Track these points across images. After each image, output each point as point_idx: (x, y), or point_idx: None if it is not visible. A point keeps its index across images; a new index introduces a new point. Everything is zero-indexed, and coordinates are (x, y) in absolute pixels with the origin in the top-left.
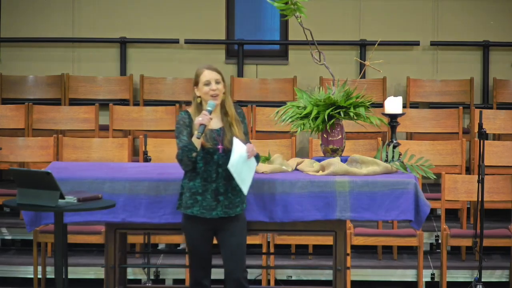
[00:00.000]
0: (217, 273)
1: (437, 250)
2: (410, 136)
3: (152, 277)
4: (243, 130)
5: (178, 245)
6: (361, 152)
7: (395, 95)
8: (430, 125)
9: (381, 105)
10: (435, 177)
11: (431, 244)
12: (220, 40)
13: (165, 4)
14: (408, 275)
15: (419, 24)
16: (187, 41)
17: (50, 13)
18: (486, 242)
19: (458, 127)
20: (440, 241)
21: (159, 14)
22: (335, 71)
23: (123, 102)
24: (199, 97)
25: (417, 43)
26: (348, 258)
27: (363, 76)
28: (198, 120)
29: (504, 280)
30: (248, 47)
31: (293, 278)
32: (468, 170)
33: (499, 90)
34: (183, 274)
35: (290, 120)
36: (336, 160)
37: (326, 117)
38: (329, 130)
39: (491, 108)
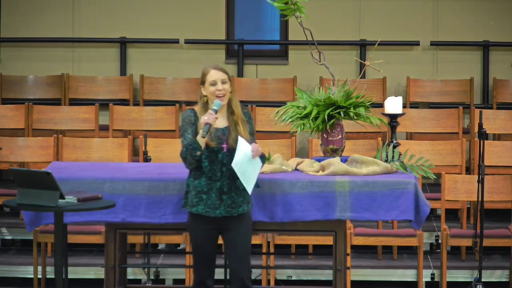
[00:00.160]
0: (218, 273)
1: (437, 250)
2: (410, 136)
3: (152, 277)
4: (249, 130)
5: (178, 245)
6: (361, 152)
7: (395, 95)
8: (430, 125)
9: (381, 105)
10: (435, 177)
11: (431, 244)
12: (220, 40)
13: (165, 4)
14: (408, 275)
15: (419, 24)
16: (187, 41)
17: (50, 13)
18: (486, 242)
19: (458, 127)
20: (440, 241)
21: (159, 14)
22: (335, 71)
23: (123, 102)
24: (205, 96)
25: (417, 43)
26: (348, 258)
27: (363, 76)
28: (203, 119)
29: (504, 280)
30: (248, 47)
31: (293, 278)
32: (468, 170)
33: (499, 90)
34: (183, 274)
35: (290, 120)
36: (336, 160)
37: (326, 117)
38: (329, 130)
39: (491, 108)
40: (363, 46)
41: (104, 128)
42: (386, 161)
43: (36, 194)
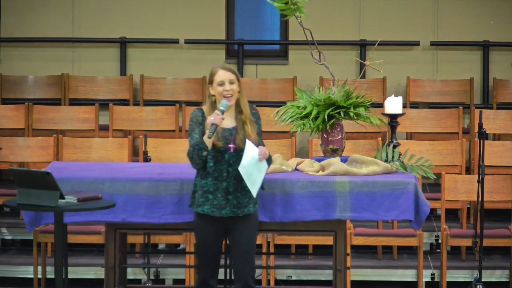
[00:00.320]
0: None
1: (437, 250)
2: (410, 136)
3: (152, 277)
4: (257, 130)
5: (178, 245)
6: (361, 152)
7: (395, 95)
8: (430, 125)
9: (381, 105)
10: (435, 177)
11: (431, 244)
12: (220, 40)
13: (165, 4)
14: (408, 275)
15: (419, 24)
16: (187, 41)
17: (50, 13)
18: (486, 242)
19: (458, 127)
20: (440, 241)
21: (159, 14)
22: (335, 71)
23: (123, 102)
24: (213, 95)
25: (417, 43)
26: (348, 258)
27: (363, 76)
28: (210, 119)
29: (504, 280)
30: (248, 47)
31: (293, 278)
32: (468, 170)
33: (499, 90)
34: (183, 274)
35: (290, 120)
36: (336, 160)
37: (326, 117)
38: (329, 130)
39: (491, 108)
40: (363, 46)
41: (104, 128)
42: (386, 161)
43: (36, 194)
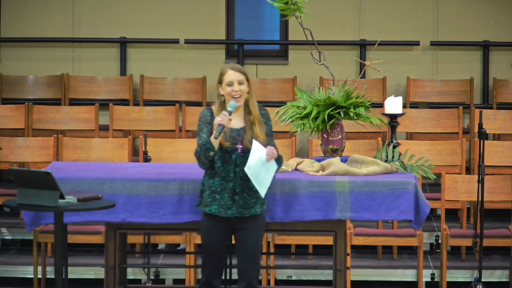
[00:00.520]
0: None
1: (437, 250)
2: (410, 136)
3: (152, 277)
4: (266, 131)
5: (178, 245)
6: (361, 152)
7: (395, 95)
8: (430, 125)
9: (381, 105)
10: (435, 177)
11: (431, 244)
12: (220, 40)
13: (165, 4)
14: (408, 275)
15: (419, 24)
16: (187, 41)
17: (50, 13)
18: (486, 242)
19: (458, 127)
20: (440, 241)
21: (159, 14)
22: (335, 71)
23: (123, 102)
24: (223, 95)
25: (417, 43)
26: (348, 258)
27: (363, 76)
28: (216, 120)
29: (504, 280)
30: (248, 47)
31: (293, 278)
32: (468, 170)
33: (499, 90)
34: (183, 274)
35: (290, 120)
36: (336, 160)
37: (326, 117)
38: (329, 130)
39: (491, 108)
40: (363, 46)
41: (104, 128)
42: (386, 161)
43: (36, 194)
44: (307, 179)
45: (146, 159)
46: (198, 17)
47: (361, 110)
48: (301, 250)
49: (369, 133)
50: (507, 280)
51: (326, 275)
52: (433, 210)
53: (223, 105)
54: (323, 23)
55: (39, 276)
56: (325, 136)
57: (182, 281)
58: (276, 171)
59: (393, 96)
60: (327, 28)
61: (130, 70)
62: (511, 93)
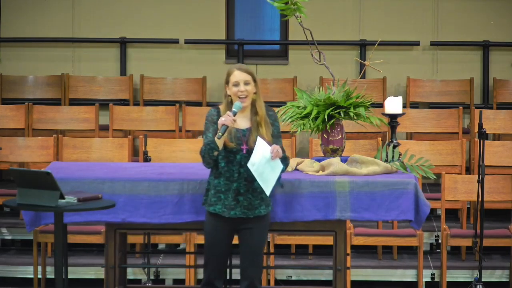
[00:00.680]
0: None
1: (437, 250)
2: (410, 136)
3: (152, 277)
4: (273, 132)
5: (178, 245)
6: (361, 152)
7: (395, 95)
8: (430, 125)
9: (381, 105)
10: (435, 177)
11: (431, 244)
12: (220, 40)
13: (165, 4)
14: (408, 275)
15: (419, 24)
16: (187, 41)
17: (50, 13)
18: (486, 242)
19: (458, 127)
20: (440, 241)
21: (159, 14)
22: (335, 71)
23: (123, 102)
24: (230, 95)
25: (417, 43)
26: (348, 258)
27: (363, 76)
28: (221, 120)
29: (504, 280)
30: (248, 47)
31: (293, 278)
32: (468, 170)
33: (499, 90)
34: (183, 274)
35: (290, 120)
36: (336, 160)
37: (326, 117)
38: (329, 130)
39: (491, 108)
40: (363, 46)
41: (104, 128)
42: (386, 161)
43: (36, 194)
44: (307, 179)
45: (146, 159)
46: (198, 17)
47: (361, 110)
48: (301, 250)
49: (369, 133)
50: (507, 280)
51: (326, 275)
52: (433, 210)
53: (230, 105)
54: (323, 23)
55: (39, 276)
56: (325, 136)
57: (182, 281)
58: (282, 171)
59: (393, 96)
60: (327, 28)
61: (130, 70)
62: (511, 93)
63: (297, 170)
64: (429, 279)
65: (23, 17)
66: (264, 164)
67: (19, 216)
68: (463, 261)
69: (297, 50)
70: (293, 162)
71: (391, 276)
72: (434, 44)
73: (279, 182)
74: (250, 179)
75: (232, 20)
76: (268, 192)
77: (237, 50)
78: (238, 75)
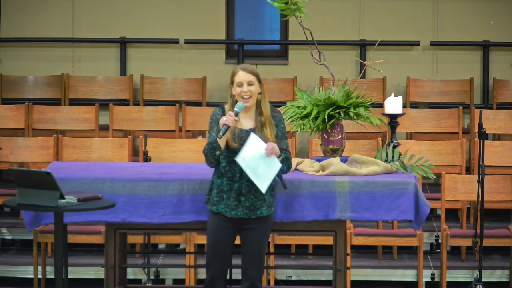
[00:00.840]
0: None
1: (437, 250)
2: (410, 136)
3: (152, 277)
4: (277, 133)
5: (178, 245)
6: (361, 152)
7: (395, 95)
8: (430, 125)
9: (381, 105)
10: (435, 177)
11: (431, 244)
12: (220, 40)
13: (165, 4)
14: (408, 275)
15: (419, 24)
16: (187, 41)
17: (50, 13)
18: (486, 242)
19: (458, 127)
20: (440, 241)
21: (159, 14)
22: (335, 71)
23: (123, 102)
24: (234, 95)
25: (417, 43)
26: (348, 258)
27: (363, 76)
28: (222, 120)
29: (504, 280)
30: (248, 47)
31: (293, 278)
32: (468, 170)
33: (499, 90)
34: (183, 274)
35: (290, 120)
36: (336, 160)
37: (326, 117)
38: (329, 130)
39: (491, 108)
40: (363, 46)
41: (104, 128)
42: (386, 161)
43: (36, 194)
44: (307, 179)
45: (146, 159)
46: (198, 17)
47: (361, 110)
48: (301, 250)
49: (369, 133)
50: (507, 280)
51: (326, 275)
52: (433, 210)
53: (234, 105)
54: (323, 23)
55: (39, 276)
56: (325, 136)
57: (182, 281)
58: (284, 172)
59: (393, 96)
60: (327, 28)
61: (130, 70)
62: (511, 93)
63: (297, 170)
64: (429, 279)
65: (23, 17)
66: (257, 160)
67: (19, 216)
68: (463, 261)
69: (297, 50)
70: (293, 162)
71: (391, 276)
72: (434, 44)
73: (283, 183)
74: None
75: (232, 20)
76: (263, 189)
77: (237, 50)
78: (242, 76)
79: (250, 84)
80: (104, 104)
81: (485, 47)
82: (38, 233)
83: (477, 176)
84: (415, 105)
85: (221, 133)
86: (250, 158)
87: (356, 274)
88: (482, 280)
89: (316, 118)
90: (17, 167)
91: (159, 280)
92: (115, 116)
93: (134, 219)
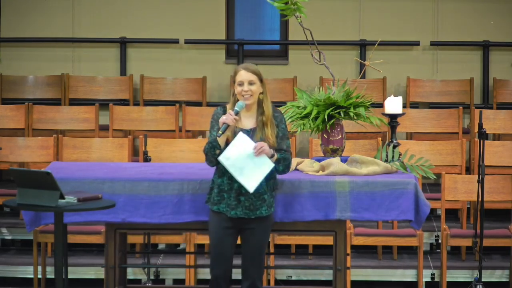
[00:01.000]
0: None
1: (437, 250)
2: (410, 136)
3: (152, 277)
4: (277, 133)
5: (178, 245)
6: (361, 152)
7: (395, 95)
8: (430, 125)
9: (381, 105)
10: (435, 177)
11: (431, 244)
12: (220, 40)
13: (165, 4)
14: (408, 275)
15: (419, 24)
16: (187, 41)
17: (50, 13)
18: (486, 242)
19: (458, 127)
20: (440, 241)
21: (159, 14)
22: (335, 71)
23: (123, 102)
24: (236, 94)
25: (417, 43)
26: (348, 258)
27: (363, 76)
28: (222, 118)
29: (504, 280)
30: (248, 47)
31: (293, 278)
32: (468, 170)
33: (499, 90)
34: (183, 274)
35: (290, 120)
36: (336, 160)
37: (326, 117)
38: (329, 130)
39: (491, 108)
40: (363, 46)
41: (104, 128)
42: (386, 161)
43: (36, 194)
44: (307, 179)
45: (146, 159)
46: (198, 17)
47: (361, 110)
48: (301, 250)
49: (369, 133)
50: (507, 280)
51: (326, 275)
52: (433, 210)
53: (235, 104)
54: (323, 23)
55: (39, 276)
56: (325, 136)
57: (182, 281)
58: (280, 172)
59: (393, 96)
60: (327, 28)
61: (130, 70)
62: (511, 93)
63: (297, 170)
64: (429, 279)
65: (23, 17)
66: (244, 159)
67: (19, 216)
68: (463, 261)
69: (297, 50)
70: (293, 162)
71: (391, 276)
72: (434, 44)
73: (275, 183)
74: None
75: (232, 20)
76: (251, 189)
77: (237, 50)
78: (243, 75)
79: (251, 83)
80: (104, 104)
81: (485, 47)
82: (38, 233)
83: (477, 176)
84: (415, 105)
85: (220, 132)
86: (235, 157)
87: (356, 274)
88: (482, 280)
89: (316, 118)
90: (17, 167)
91: (159, 280)
92: (115, 116)
93: (134, 219)
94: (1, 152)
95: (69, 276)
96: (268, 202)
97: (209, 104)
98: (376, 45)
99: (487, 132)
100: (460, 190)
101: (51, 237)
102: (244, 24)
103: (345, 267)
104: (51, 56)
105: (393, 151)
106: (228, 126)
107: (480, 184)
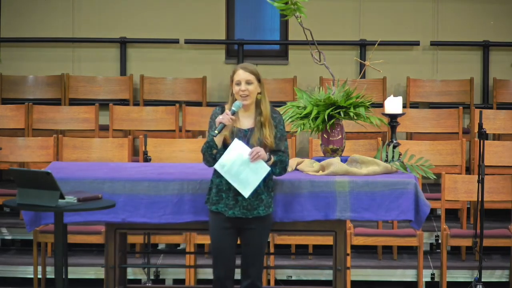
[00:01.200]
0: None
1: (437, 250)
2: (410, 136)
3: (152, 277)
4: (276, 134)
5: (178, 245)
6: (361, 152)
7: (395, 95)
8: (430, 125)
9: (381, 105)
10: (435, 177)
11: (431, 244)
12: (220, 40)
13: (165, 4)
14: (408, 275)
15: (419, 24)
16: (187, 41)
17: (50, 13)
18: (486, 242)
19: (458, 127)
20: (440, 241)
21: (159, 14)
22: (335, 71)
23: (123, 102)
24: (234, 94)
25: (417, 43)
26: (348, 258)
27: (363, 76)
28: (218, 118)
29: (504, 280)
30: (248, 47)
31: (293, 278)
32: (468, 170)
33: (499, 90)
34: (183, 274)
35: (290, 120)
36: (336, 160)
37: (326, 117)
38: (329, 130)
39: (491, 108)
40: (363, 46)
41: (104, 128)
42: (386, 161)
43: (36, 194)
44: (307, 179)
45: (146, 159)
46: (198, 17)
47: (361, 110)
48: (301, 250)
49: (369, 133)
50: (507, 280)
51: (326, 275)
52: (433, 210)
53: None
54: (323, 23)
55: (39, 276)
56: (325, 136)
57: (182, 281)
58: (277, 174)
59: (393, 96)
60: (327, 28)
61: (130, 70)
62: (511, 93)
63: (297, 170)
64: (429, 279)
65: (23, 17)
66: (239, 165)
67: (19, 216)
68: (463, 261)
69: (297, 50)
70: (293, 162)
71: (391, 276)
72: (434, 44)
73: (270, 185)
74: None
75: (232, 20)
76: (246, 195)
77: (237, 50)
78: (241, 74)
79: (248, 83)
80: (104, 104)
81: (485, 47)
82: (38, 233)
83: (477, 176)
84: (415, 105)
85: (216, 131)
86: (230, 164)
87: (356, 274)
88: (482, 280)
89: (316, 118)
90: (17, 167)
91: (159, 280)
92: (115, 116)
93: (134, 219)
94: (1, 152)
95: (69, 276)
96: (266, 202)
97: (209, 104)
98: (376, 45)
99: (487, 132)
100: (460, 190)
101: (51, 237)
102: (244, 24)
103: (345, 267)
104: (51, 56)
105: (393, 151)
106: (224, 125)
107: (480, 184)
